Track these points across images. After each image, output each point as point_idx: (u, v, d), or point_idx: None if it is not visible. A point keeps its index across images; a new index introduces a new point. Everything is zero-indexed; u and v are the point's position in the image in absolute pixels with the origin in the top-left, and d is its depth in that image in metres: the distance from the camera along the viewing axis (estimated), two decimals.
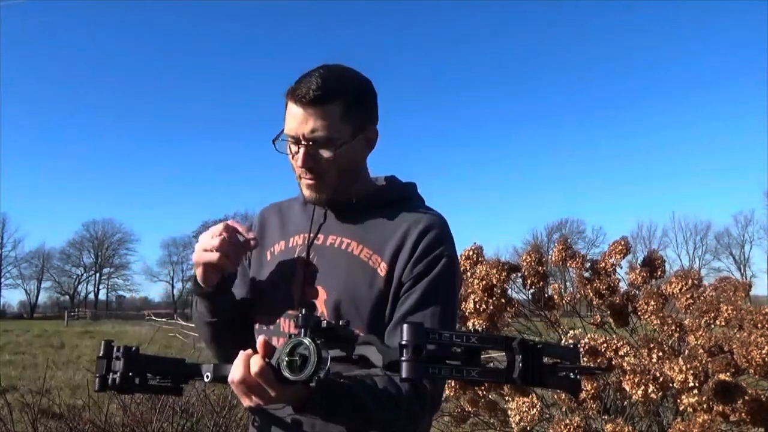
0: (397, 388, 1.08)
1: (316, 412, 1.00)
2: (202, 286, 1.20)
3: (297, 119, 1.17)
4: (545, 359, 0.71)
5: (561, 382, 0.73)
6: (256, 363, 0.89)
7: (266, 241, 1.33)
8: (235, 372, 0.93)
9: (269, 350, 0.91)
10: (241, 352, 0.95)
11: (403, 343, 0.67)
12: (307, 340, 0.81)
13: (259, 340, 0.92)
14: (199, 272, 1.19)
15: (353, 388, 1.02)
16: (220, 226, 1.17)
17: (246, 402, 0.97)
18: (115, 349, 0.99)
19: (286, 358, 0.83)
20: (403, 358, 0.66)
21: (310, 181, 1.21)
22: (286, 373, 0.83)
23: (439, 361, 0.69)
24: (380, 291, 1.17)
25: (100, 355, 0.99)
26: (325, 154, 1.18)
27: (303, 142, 1.17)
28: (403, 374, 0.66)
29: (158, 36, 79.02)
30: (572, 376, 0.74)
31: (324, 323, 0.83)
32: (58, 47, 75.69)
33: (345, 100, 1.16)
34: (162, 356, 1.06)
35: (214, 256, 1.14)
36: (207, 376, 0.99)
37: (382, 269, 1.18)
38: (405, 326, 0.68)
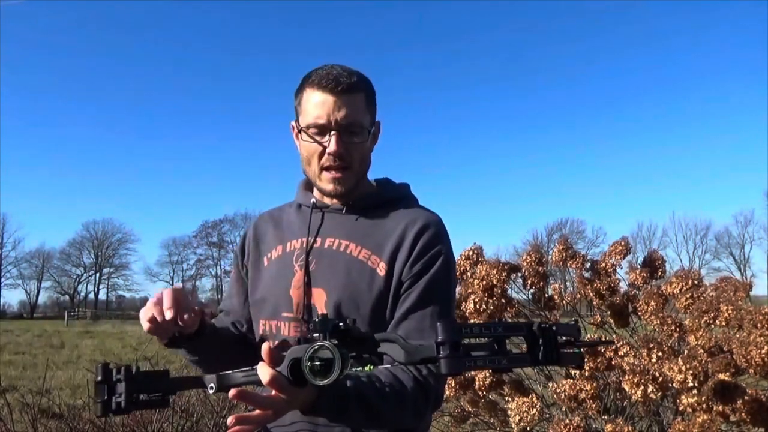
0: (401, 385, 1.08)
1: (325, 414, 0.98)
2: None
3: (327, 107, 1.18)
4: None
5: (570, 358, 0.78)
6: (266, 372, 0.87)
7: (262, 248, 1.33)
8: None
9: (275, 357, 0.89)
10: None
11: (440, 340, 0.69)
12: (328, 344, 0.81)
13: (264, 348, 0.90)
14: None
15: (360, 388, 1.02)
16: (153, 299, 1.08)
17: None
18: (114, 371, 0.95)
19: (309, 363, 0.82)
20: (441, 355, 0.69)
21: (337, 174, 1.22)
22: (312, 379, 0.82)
23: (468, 353, 0.72)
24: (380, 291, 1.18)
25: (99, 379, 0.94)
26: (355, 140, 1.21)
27: (335, 129, 1.19)
28: (444, 370, 0.69)
29: (158, 37, 79.06)
30: (577, 351, 0.79)
31: (342, 325, 0.83)
32: (58, 47, 75.72)
33: (365, 93, 1.24)
34: (160, 370, 1.00)
35: (146, 325, 1.09)
36: (211, 388, 0.96)
37: (381, 269, 1.19)
38: (439, 324, 0.70)
